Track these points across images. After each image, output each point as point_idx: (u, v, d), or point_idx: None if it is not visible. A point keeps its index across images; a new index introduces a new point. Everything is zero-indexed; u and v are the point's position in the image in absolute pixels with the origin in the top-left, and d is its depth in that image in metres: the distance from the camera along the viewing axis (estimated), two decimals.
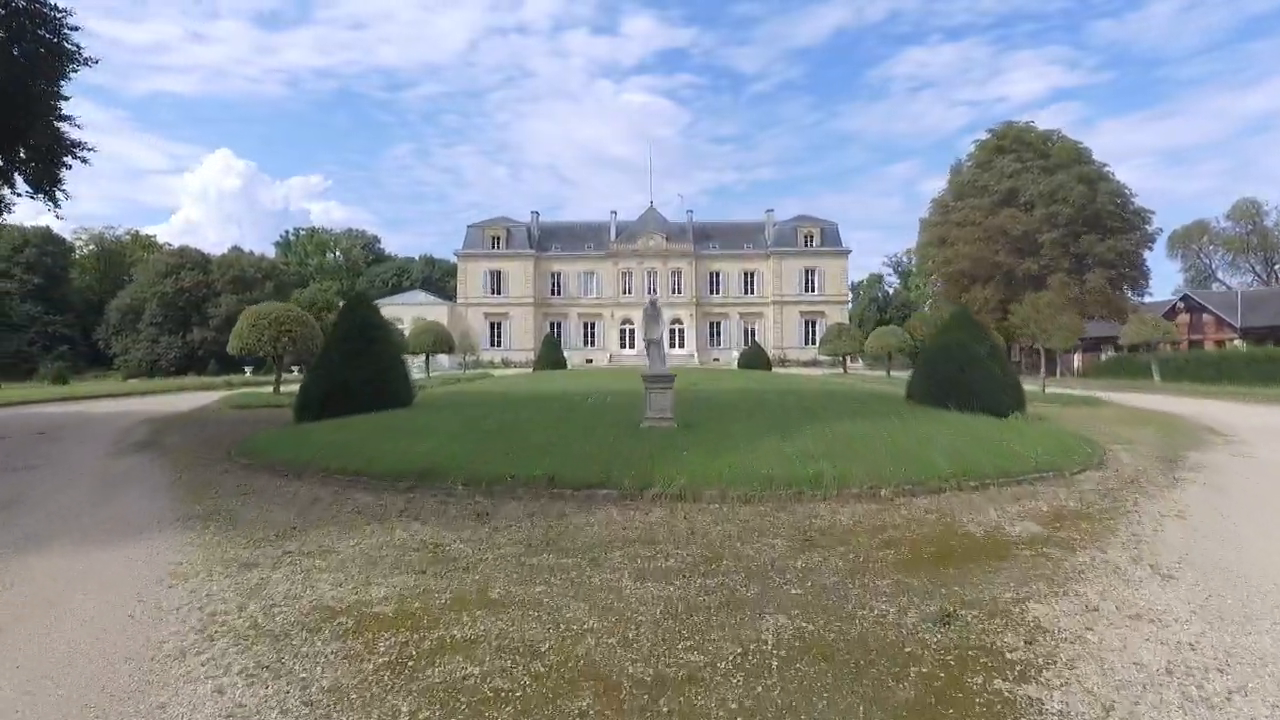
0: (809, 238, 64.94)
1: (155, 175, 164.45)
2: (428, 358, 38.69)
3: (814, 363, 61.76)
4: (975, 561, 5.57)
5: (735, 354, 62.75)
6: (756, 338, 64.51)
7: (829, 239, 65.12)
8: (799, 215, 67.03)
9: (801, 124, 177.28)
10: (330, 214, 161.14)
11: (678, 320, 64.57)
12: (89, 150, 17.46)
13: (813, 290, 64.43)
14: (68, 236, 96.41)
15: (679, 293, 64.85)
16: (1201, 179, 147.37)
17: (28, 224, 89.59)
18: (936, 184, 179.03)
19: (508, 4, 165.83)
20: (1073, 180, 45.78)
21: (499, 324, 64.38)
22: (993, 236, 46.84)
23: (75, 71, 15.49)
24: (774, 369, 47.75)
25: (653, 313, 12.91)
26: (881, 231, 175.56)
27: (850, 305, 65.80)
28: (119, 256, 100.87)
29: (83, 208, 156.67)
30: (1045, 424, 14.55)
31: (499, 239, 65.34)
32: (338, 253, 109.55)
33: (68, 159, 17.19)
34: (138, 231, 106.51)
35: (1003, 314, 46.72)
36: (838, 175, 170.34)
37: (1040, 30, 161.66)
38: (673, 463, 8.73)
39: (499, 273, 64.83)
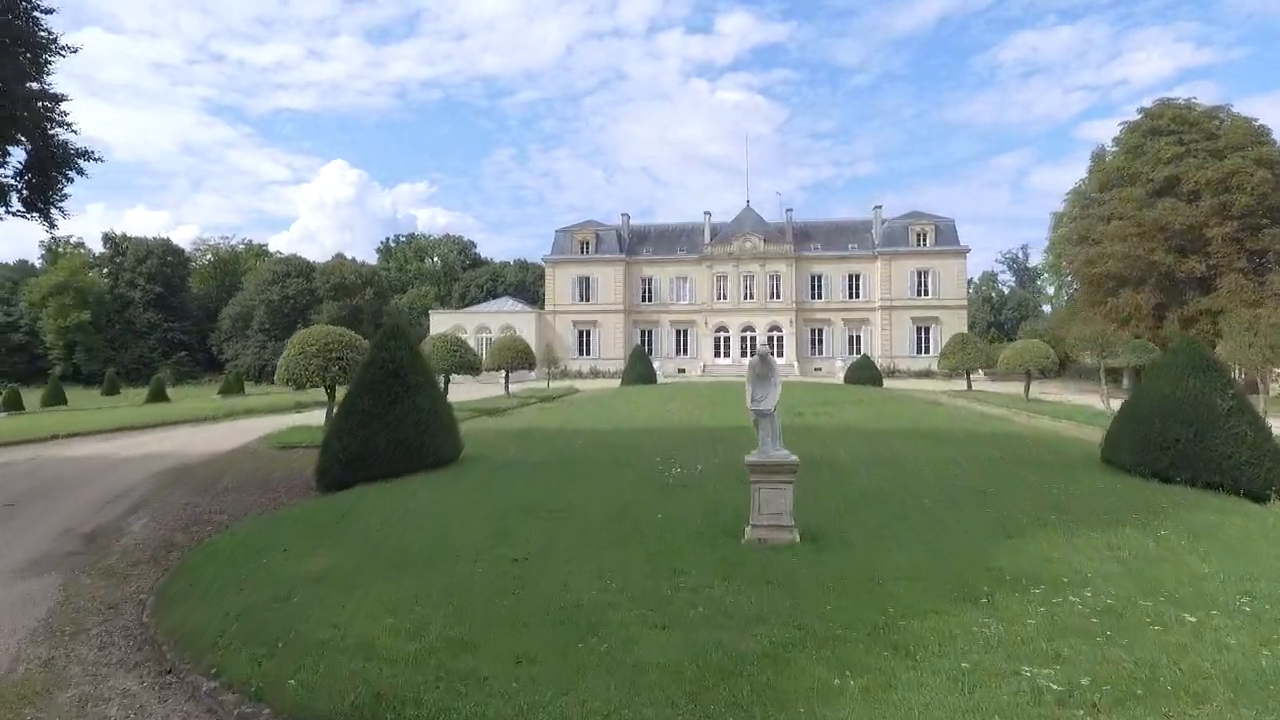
0: (921, 236, 58.59)
1: (277, 186, 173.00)
2: (507, 374, 35.64)
3: (927, 374, 55.53)
4: None
5: (839, 363, 57.33)
6: (862, 346, 58.79)
7: (944, 237, 58.59)
8: (910, 212, 60.72)
9: (902, 116, 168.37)
10: (435, 219, 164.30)
11: (775, 327, 59.64)
12: (94, 160, 14.71)
13: (926, 293, 58.09)
14: (187, 247, 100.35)
15: (777, 297, 59.88)
16: None
17: (150, 235, 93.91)
18: (1050, 175, 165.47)
19: (604, 8, 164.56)
20: (1250, 164, 38.24)
21: (587, 332, 61.22)
22: (1148, 232, 39.78)
23: (50, 63, 12.71)
24: (883, 381, 42.28)
25: (762, 369, 8.68)
26: (989, 225, 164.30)
27: (967, 309, 59.06)
28: (234, 265, 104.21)
29: (216, 218, 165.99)
30: None
31: (588, 243, 62.18)
32: (435, 258, 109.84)
33: (69, 171, 14.46)
34: (251, 241, 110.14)
35: (1157, 321, 39.80)
36: (942, 168, 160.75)
37: (1166, 6, 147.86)
38: (814, 707, 4.57)
39: (587, 279, 61.66)
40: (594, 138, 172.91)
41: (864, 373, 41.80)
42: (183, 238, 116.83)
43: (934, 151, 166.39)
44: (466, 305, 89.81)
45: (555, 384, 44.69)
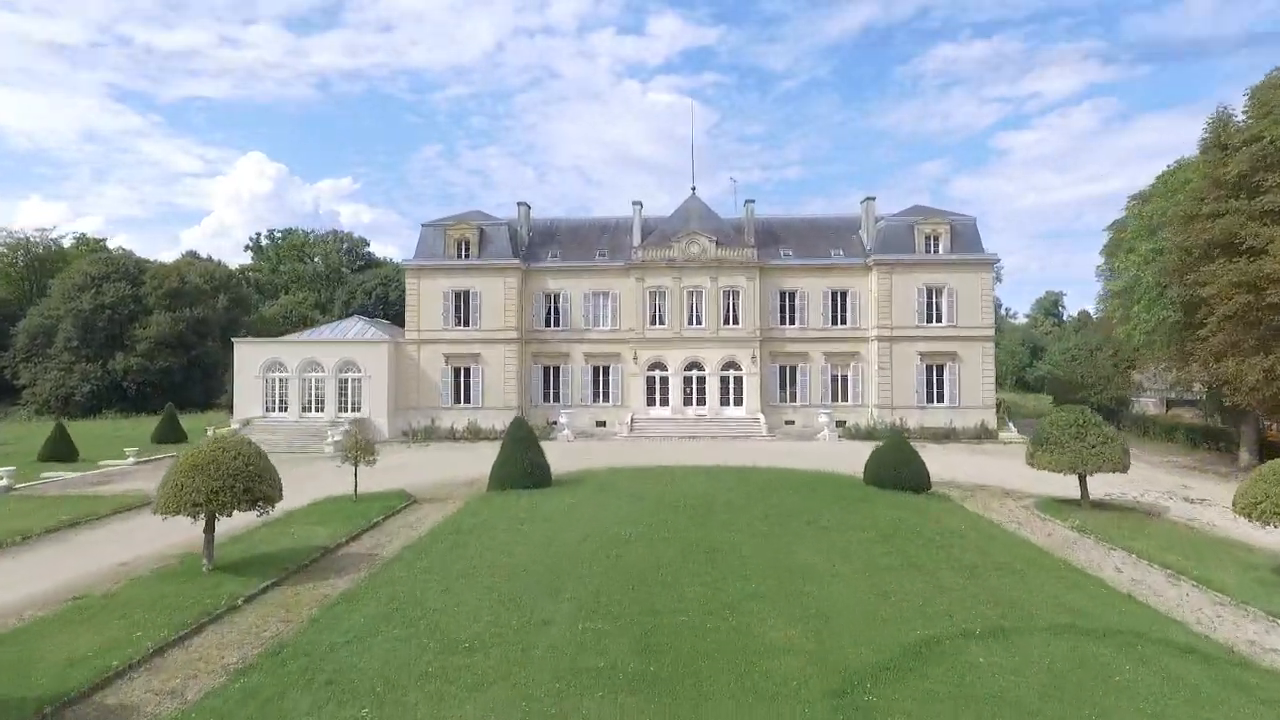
0: (933, 240, 40.47)
1: (189, 178, 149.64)
2: (211, 522, 15.53)
3: (948, 435, 37.62)
4: None
5: (823, 417, 38.83)
6: (851, 391, 40.50)
7: (963, 242, 40.64)
8: (914, 207, 42.45)
9: (830, 122, 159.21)
10: (359, 216, 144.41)
11: (732, 364, 40.70)
12: None
13: (938, 319, 40.01)
14: None
15: (735, 323, 40.97)
16: None
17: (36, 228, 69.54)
18: (969, 183, 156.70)
19: (535, 5, 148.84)
20: None
21: (466, 370, 40.85)
22: None
23: None
24: (929, 477, 23.63)
25: None
26: None
27: (995, 342, 41.30)
28: (54, 267, 79.53)
29: (121, 211, 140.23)
30: None
31: (467, 244, 41.79)
32: (316, 259, 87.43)
33: None
34: (85, 234, 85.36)
35: None
36: (867, 174, 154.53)
37: (1075, 25, 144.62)
38: None
39: (466, 294, 41.27)
40: (525, 136, 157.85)
41: (901, 470, 23.15)
42: (79, 230, 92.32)
43: (859, 158, 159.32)
44: (351, 314, 68.30)
45: (387, 469, 24.48)
